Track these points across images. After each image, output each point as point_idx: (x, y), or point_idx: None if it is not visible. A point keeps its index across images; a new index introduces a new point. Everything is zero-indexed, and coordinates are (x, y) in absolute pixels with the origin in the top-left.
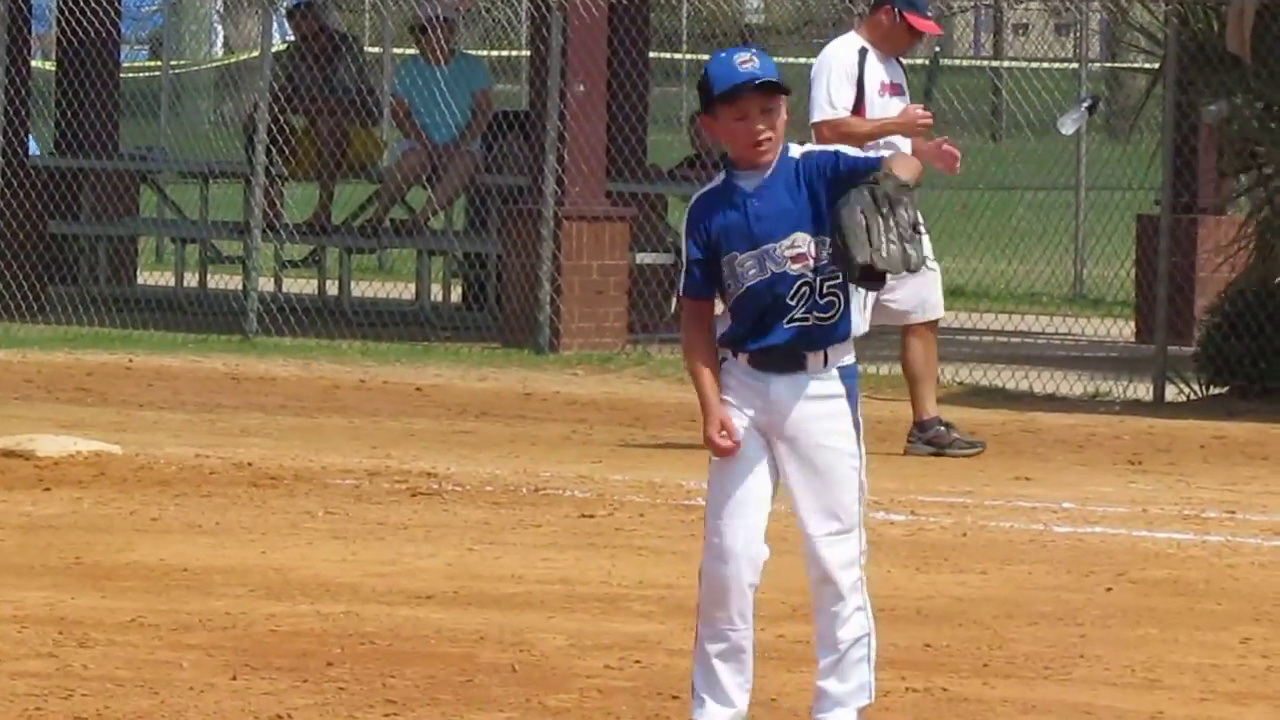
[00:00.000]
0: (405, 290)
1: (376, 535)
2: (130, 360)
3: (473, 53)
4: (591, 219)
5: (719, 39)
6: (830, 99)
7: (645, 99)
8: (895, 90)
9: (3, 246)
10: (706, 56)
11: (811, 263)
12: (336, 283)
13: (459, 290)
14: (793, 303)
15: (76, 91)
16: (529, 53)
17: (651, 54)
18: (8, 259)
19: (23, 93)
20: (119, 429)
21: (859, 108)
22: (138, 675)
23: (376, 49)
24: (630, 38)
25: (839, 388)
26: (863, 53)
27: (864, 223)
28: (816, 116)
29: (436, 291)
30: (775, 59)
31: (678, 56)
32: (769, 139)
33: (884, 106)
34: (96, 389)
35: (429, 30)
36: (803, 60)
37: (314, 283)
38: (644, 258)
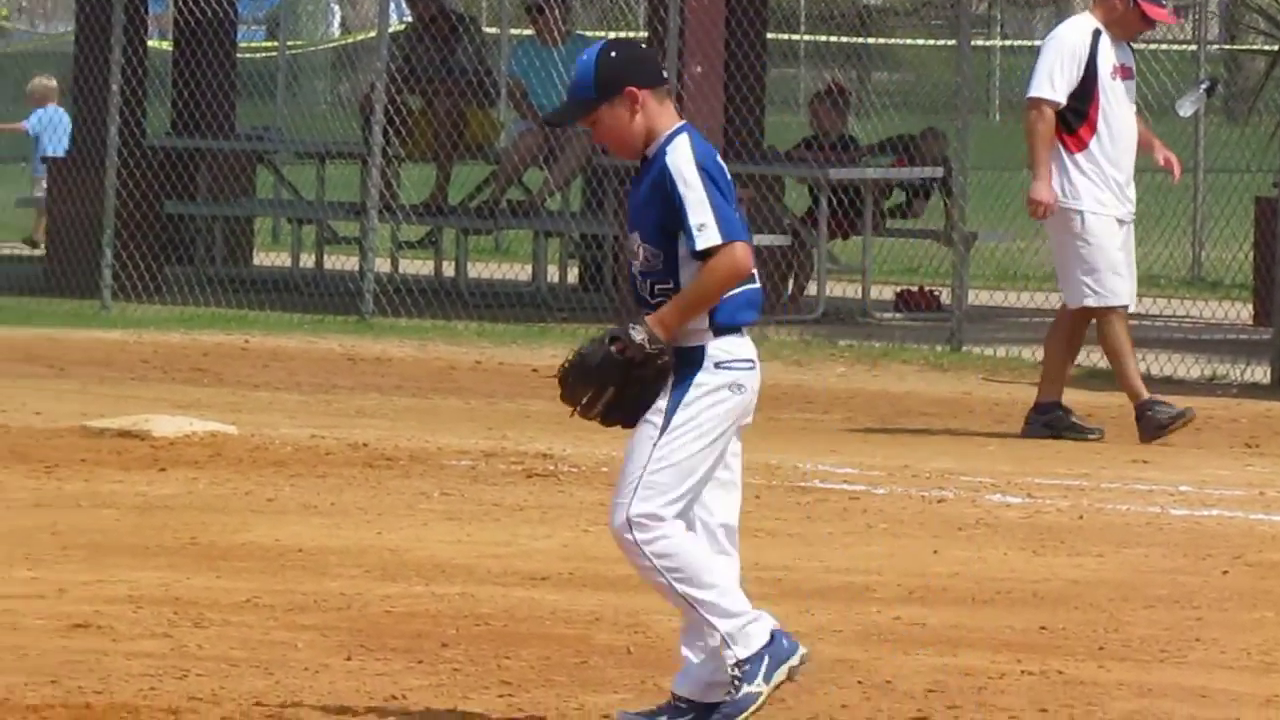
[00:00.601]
0: (521, 271)
1: (492, 516)
2: (246, 341)
3: (590, 33)
4: None
5: (836, 20)
6: (1052, 79)
7: (762, 80)
8: (1126, 74)
9: (119, 227)
10: (825, 38)
11: (640, 265)
12: (453, 264)
13: (575, 271)
14: (642, 294)
15: (193, 72)
16: (646, 34)
17: (769, 35)
18: (124, 239)
19: (140, 73)
20: (235, 409)
21: (1091, 89)
22: (252, 655)
23: (494, 30)
24: (748, 19)
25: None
26: (1096, 34)
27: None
28: (1032, 92)
29: (553, 272)
30: (894, 40)
31: (795, 38)
32: (607, 146)
33: (1114, 89)
34: (212, 369)
35: (545, 11)
36: (920, 42)
37: (430, 264)
38: (760, 239)
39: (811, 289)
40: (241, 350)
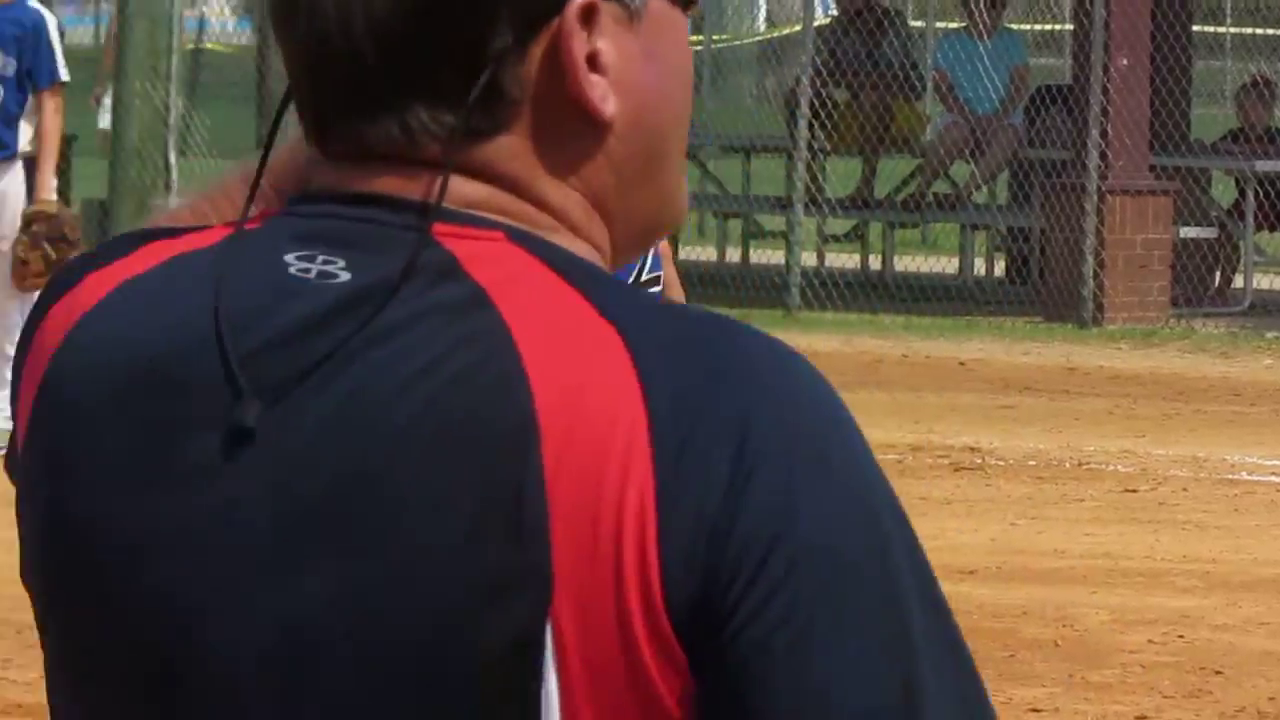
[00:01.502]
0: (948, 264)
1: (919, 510)
2: None
3: (1016, 26)
4: (1135, 193)
5: (1263, 12)
6: None
7: (1188, 72)
8: None
9: None
10: (1251, 31)
11: None
12: (879, 257)
13: (1002, 264)
14: None
15: None
16: (1072, 26)
17: (1195, 27)
18: None
19: None
20: None
21: None
22: None
23: (920, 23)
24: (1173, 11)
25: None
26: None
27: None
28: None
29: (979, 265)
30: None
31: (1220, 30)
32: None
33: None
34: None
35: (977, 3)
36: (1274, 32)
37: (856, 257)
38: (1187, 231)
39: (1238, 281)
40: None
